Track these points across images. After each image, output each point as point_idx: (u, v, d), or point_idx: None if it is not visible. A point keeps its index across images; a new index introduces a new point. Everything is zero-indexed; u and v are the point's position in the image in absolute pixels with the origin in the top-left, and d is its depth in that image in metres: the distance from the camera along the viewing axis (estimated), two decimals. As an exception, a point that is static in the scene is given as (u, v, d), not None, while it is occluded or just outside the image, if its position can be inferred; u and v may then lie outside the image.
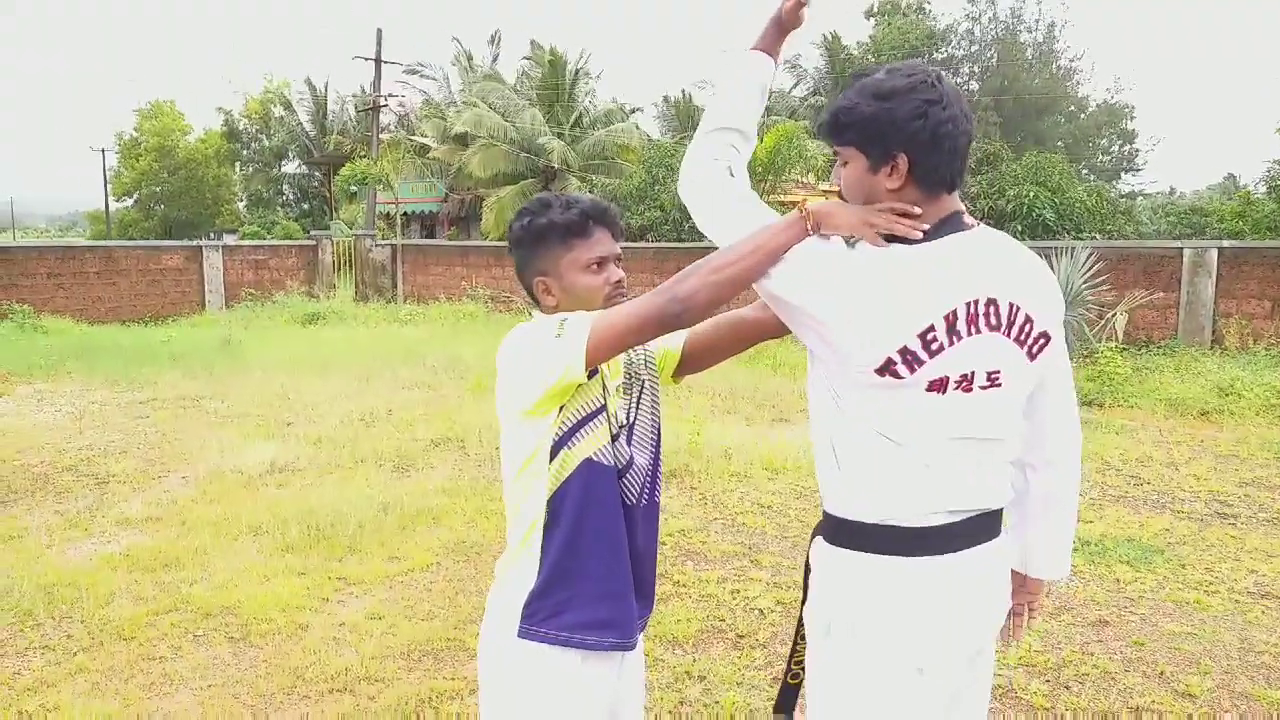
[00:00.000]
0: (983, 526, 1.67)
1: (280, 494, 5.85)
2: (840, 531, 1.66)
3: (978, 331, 1.55)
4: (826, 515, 1.70)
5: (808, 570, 1.78)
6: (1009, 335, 1.59)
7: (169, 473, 6.40)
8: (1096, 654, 3.68)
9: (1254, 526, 5.24)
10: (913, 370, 1.52)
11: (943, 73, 1.62)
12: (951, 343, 1.53)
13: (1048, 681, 3.46)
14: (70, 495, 5.88)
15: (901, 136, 1.54)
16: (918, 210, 1.56)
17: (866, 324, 1.51)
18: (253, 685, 3.46)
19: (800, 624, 1.79)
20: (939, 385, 1.55)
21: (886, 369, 1.52)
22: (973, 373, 1.57)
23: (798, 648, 1.82)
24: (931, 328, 1.52)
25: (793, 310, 1.61)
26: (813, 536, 1.77)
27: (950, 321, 1.53)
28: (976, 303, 1.55)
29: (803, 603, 1.78)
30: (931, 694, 1.65)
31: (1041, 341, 1.64)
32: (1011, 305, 1.58)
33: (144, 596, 4.26)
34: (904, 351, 1.51)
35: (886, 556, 1.61)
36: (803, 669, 1.79)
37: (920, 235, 1.56)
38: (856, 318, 1.52)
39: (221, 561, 4.69)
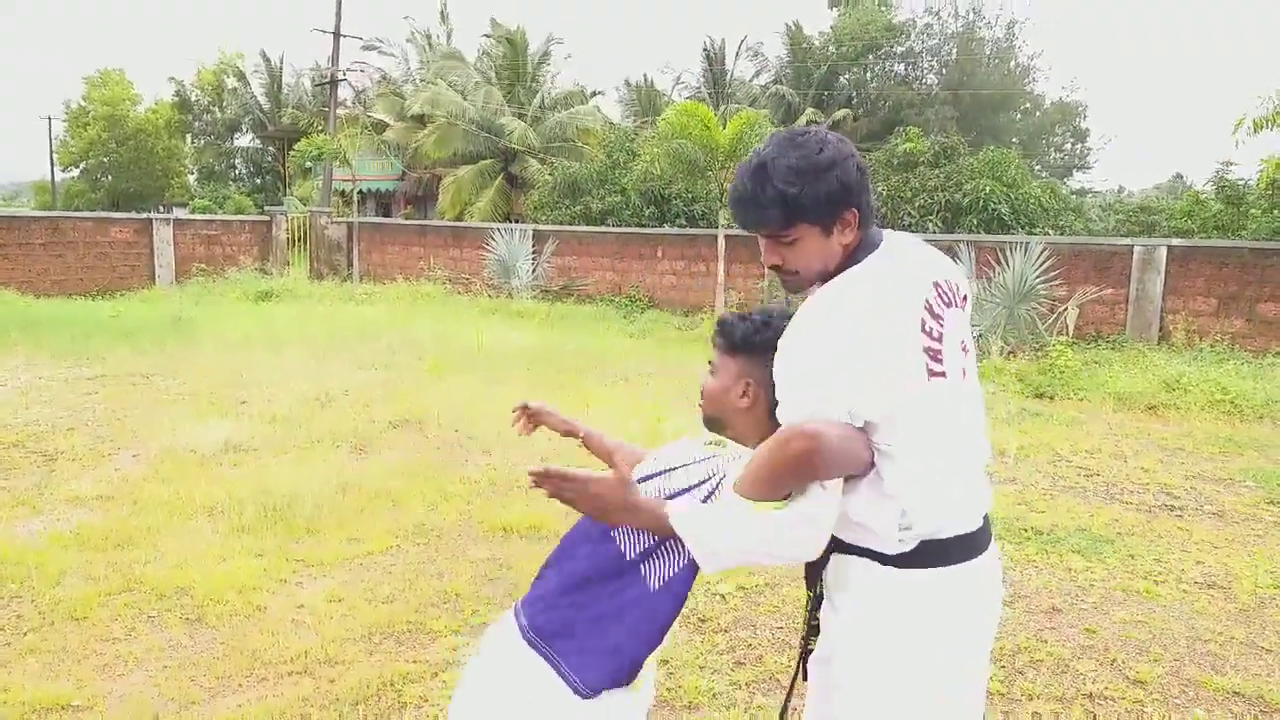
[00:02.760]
0: (988, 527, 1.80)
1: (235, 473, 5.75)
2: (906, 556, 1.68)
3: (946, 307, 1.70)
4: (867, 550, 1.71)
5: (817, 602, 1.80)
6: (962, 307, 1.76)
7: (119, 450, 6.25)
8: (1050, 641, 3.76)
9: (1200, 518, 5.39)
10: (941, 360, 1.65)
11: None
12: (941, 326, 1.66)
13: (1003, 668, 3.53)
14: (17, 472, 5.72)
15: (852, 195, 1.66)
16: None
17: (893, 351, 1.61)
18: (209, 667, 3.41)
19: (804, 657, 1.82)
20: (957, 364, 1.71)
21: (931, 374, 1.63)
22: (963, 342, 1.72)
23: (809, 642, 1.83)
24: (924, 321, 1.64)
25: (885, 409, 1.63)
26: (820, 568, 1.78)
27: (930, 309, 1.66)
28: (936, 285, 1.70)
29: (809, 635, 1.81)
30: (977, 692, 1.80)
31: (968, 304, 1.81)
32: (946, 281, 1.74)
33: (96, 576, 4.17)
34: (928, 351, 1.64)
35: (954, 567, 1.70)
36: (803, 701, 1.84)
37: None
38: (884, 353, 1.60)
39: (175, 541, 4.60)
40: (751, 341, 1.82)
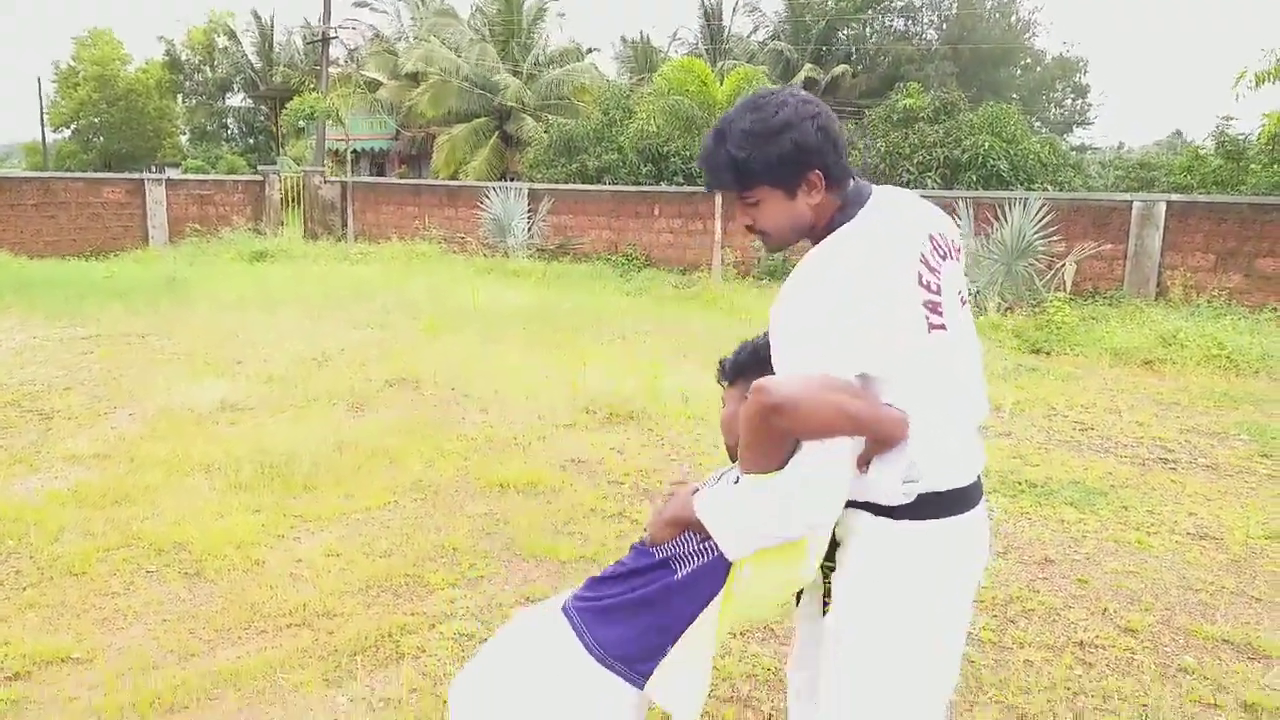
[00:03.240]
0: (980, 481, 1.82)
1: (232, 432, 5.75)
2: (906, 508, 1.69)
3: (942, 260, 1.69)
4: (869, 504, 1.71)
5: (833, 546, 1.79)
6: (957, 259, 1.75)
7: (116, 409, 6.25)
8: (1042, 591, 3.80)
9: (1194, 471, 5.42)
10: (941, 312, 1.65)
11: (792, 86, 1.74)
12: (938, 279, 1.66)
13: (995, 617, 3.57)
14: (14, 430, 5.72)
15: (813, 157, 1.65)
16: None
17: (890, 306, 1.60)
18: (209, 620, 3.43)
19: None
20: (956, 316, 1.71)
21: (932, 326, 1.63)
22: (960, 293, 1.72)
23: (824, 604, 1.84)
24: (920, 274, 1.64)
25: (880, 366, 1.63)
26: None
27: (926, 262, 1.66)
28: (931, 238, 1.70)
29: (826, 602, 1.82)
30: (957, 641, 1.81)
31: (961, 255, 1.80)
32: (940, 234, 1.73)
33: (94, 532, 4.18)
34: (927, 304, 1.64)
35: (951, 519, 1.70)
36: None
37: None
38: (882, 309, 1.60)
39: (173, 499, 4.62)
40: (743, 365, 1.88)
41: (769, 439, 1.60)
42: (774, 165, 1.65)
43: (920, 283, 1.63)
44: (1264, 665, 3.22)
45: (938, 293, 1.65)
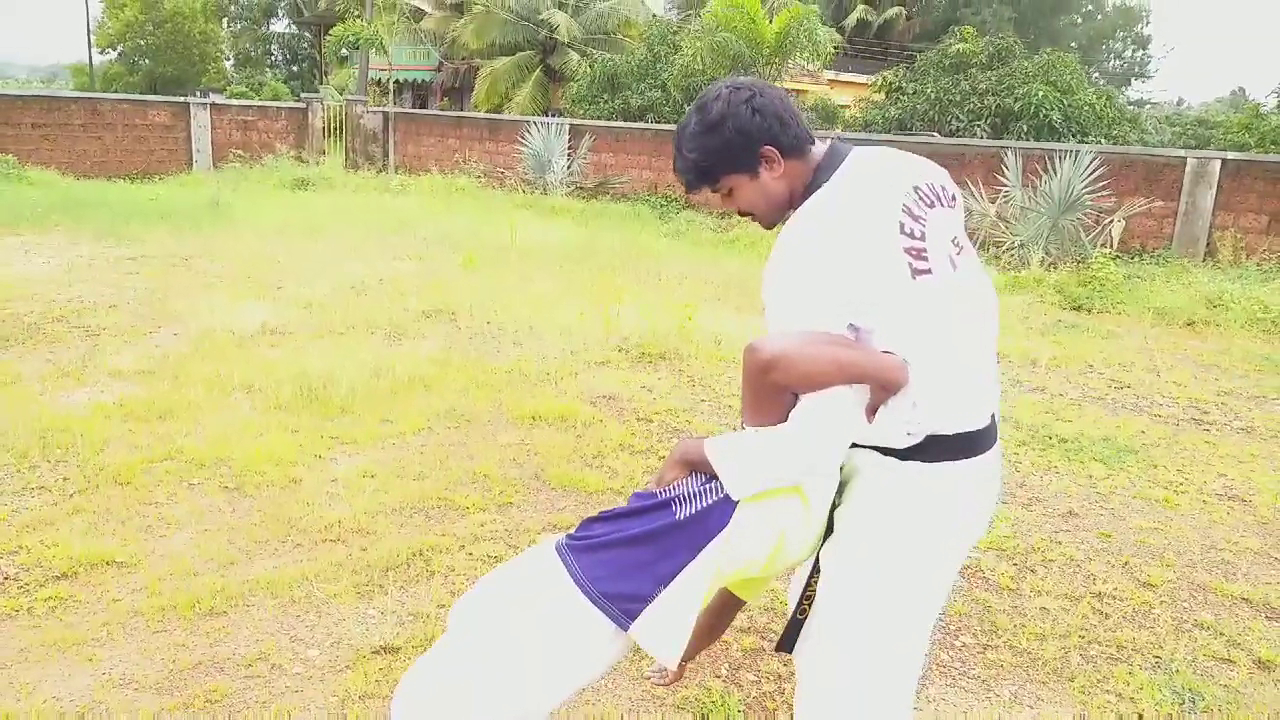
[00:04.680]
0: (994, 426, 1.84)
1: (273, 355, 5.88)
2: (912, 450, 1.72)
3: (928, 208, 1.72)
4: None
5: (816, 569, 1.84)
6: (950, 206, 1.79)
7: (160, 328, 6.40)
8: (1064, 543, 3.82)
9: (1228, 434, 5.37)
10: (925, 258, 1.67)
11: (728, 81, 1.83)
12: (923, 226, 1.69)
13: (1015, 565, 3.60)
14: (62, 345, 5.89)
15: (756, 135, 1.75)
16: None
17: (870, 255, 1.64)
18: (247, 532, 3.56)
19: (817, 558, 1.85)
20: (945, 261, 1.71)
21: (915, 272, 1.65)
22: (954, 239, 1.75)
23: (812, 582, 1.87)
24: (902, 223, 1.68)
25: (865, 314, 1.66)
26: None
27: (909, 211, 1.70)
28: (916, 189, 1.73)
29: (804, 603, 1.87)
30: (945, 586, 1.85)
31: (957, 202, 1.83)
32: (929, 184, 1.77)
33: (138, 445, 4.33)
34: (909, 250, 1.66)
35: (958, 462, 1.73)
36: (811, 603, 1.88)
37: None
38: (862, 259, 1.64)
39: (214, 416, 4.75)
40: None
41: (766, 396, 1.66)
42: (724, 154, 1.77)
43: (903, 231, 1.67)
44: (1282, 625, 3.24)
45: (921, 239, 1.68)
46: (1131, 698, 2.78)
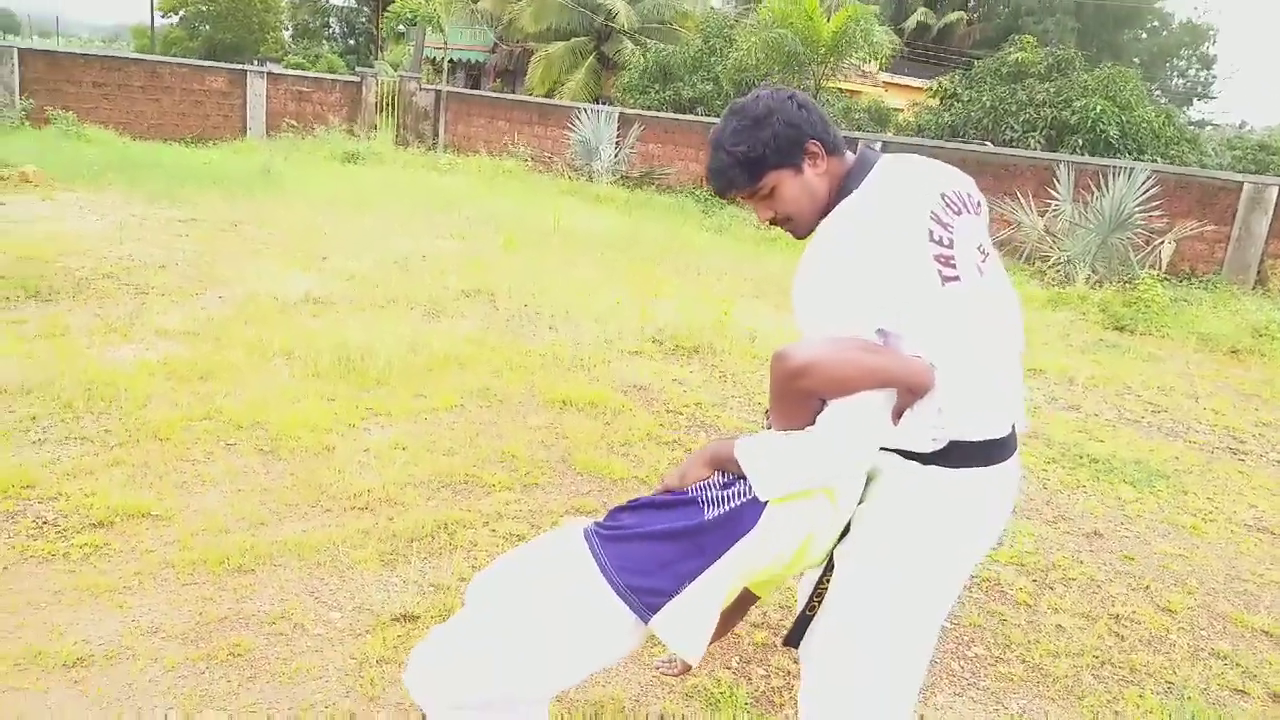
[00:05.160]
0: (1014, 435, 1.87)
1: (313, 323, 5.99)
2: (935, 455, 1.75)
3: (956, 215, 1.74)
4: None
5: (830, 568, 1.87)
6: (976, 213, 1.80)
7: (206, 291, 6.54)
8: (1086, 562, 3.80)
9: (1263, 465, 5.29)
10: (954, 265, 1.69)
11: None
12: (951, 233, 1.71)
13: (1034, 581, 3.59)
14: (111, 301, 6.04)
15: (803, 129, 1.76)
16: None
17: (901, 262, 1.66)
18: (279, 494, 3.65)
19: (830, 556, 1.87)
20: (973, 269, 1.73)
21: (945, 279, 1.67)
22: (980, 246, 1.76)
23: (824, 579, 1.89)
24: (931, 230, 1.69)
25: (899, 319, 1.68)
26: None
27: (937, 219, 1.71)
28: (944, 196, 1.75)
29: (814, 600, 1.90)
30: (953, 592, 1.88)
31: (982, 209, 1.85)
32: (955, 192, 1.78)
33: (179, 403, 4.44)
34: (938, 258, 1.68)
35: (979, 469, 1.76)
36: (821, 600, 1.90)
37: None
38: (893, 265, 1.66)
39: (254, 379, 4.86)
40: None
41: (795, 401, 1.69)
42: (773, 147, 1.75)
43: (931, 238, 1.68)
44: (1301, 660, 3.20)
45: (950, 246, 1.69)
46: (1141, 721, 2.77)
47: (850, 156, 1.82)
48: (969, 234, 1.75)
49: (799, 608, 1.99)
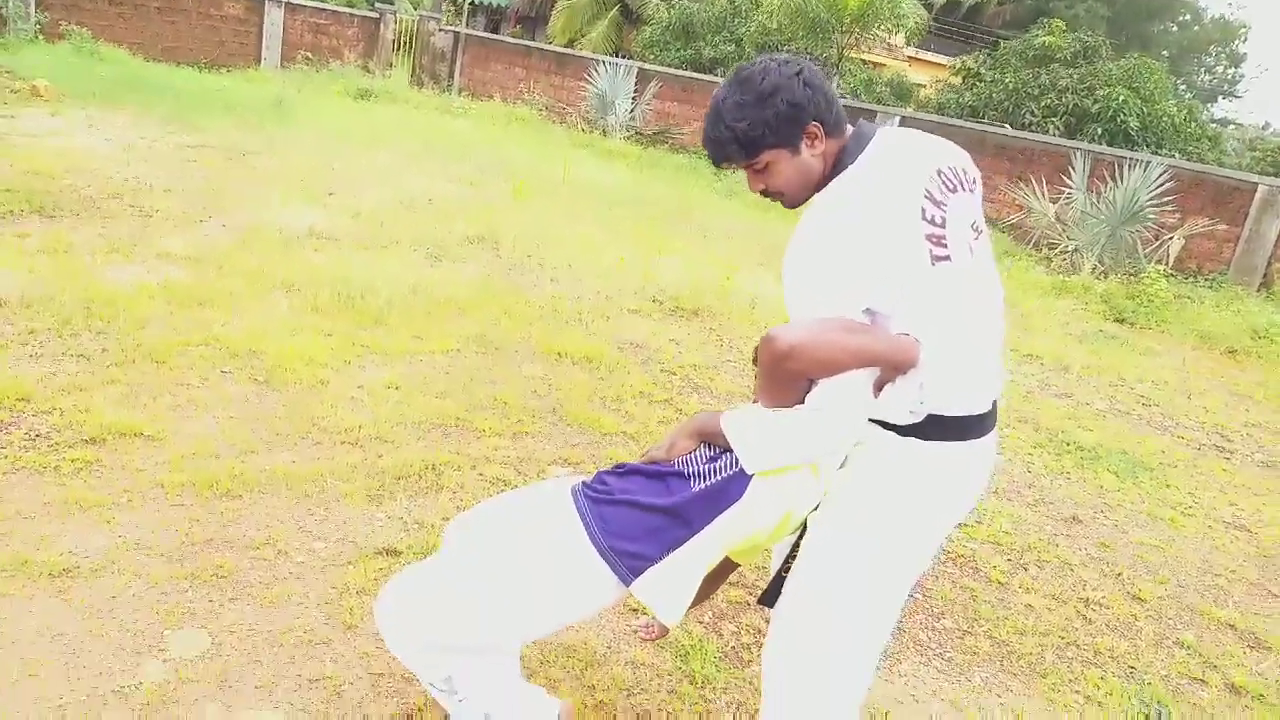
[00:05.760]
0: (995, 413, 1.89)
1: (315, 258, 5.99)
2: (914, 428, 1.77)
3: (950, 193, 1.74)
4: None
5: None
6: (971, 190, 1.80)
7: (210, 218, 6.53)
8: (1061, 546, 3.85)
9: (1248, 465, 5.33)
10: (945, 244, 1.70)
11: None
12: (944, 212, 1.71)
13: (1009, 560, 3.64)
14: (114, 221, 6.04)
15: (806, 110, 1.74)
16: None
17: (892, 241, 1.67)
18: (270, 424, 3.69)
19: (782, 569, 1.92)
20: (964, 247, 1.74)
21: (936, 259, 1.68)
22: (974, 223, 1.77)
23: (799, 542, 1.92)
24: (924, 209, 1.70)
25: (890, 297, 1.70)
26: None
27: (931, 197, 1.72)
28: (939, 173, 1.75)
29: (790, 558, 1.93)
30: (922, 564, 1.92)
31: (977, 186, 1.85)
32: (950, 168, 1.78)
33: (177, 327, 4.46)
34: (930, 238, 1.69)
35: (956, 443, 1.79)
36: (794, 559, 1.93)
37: None
38: (884, 245, 1.67)
39: (253, 309, 4.88)
40: None
41: (783, 383, 1.71)
42: (773, 127, 1.74)
43: (924, 217, 1.69)
44: (1261, 654, 3.26)
45: (942, 225, 1.70)
46: (1099, 702, 2.84)
47: (850, 131, 1.81)
48: (962, 212, 1.75)
49: (774, 568, 2.03)
